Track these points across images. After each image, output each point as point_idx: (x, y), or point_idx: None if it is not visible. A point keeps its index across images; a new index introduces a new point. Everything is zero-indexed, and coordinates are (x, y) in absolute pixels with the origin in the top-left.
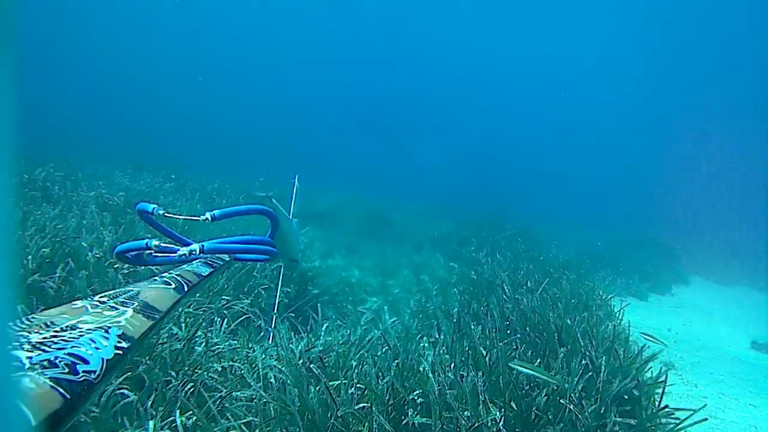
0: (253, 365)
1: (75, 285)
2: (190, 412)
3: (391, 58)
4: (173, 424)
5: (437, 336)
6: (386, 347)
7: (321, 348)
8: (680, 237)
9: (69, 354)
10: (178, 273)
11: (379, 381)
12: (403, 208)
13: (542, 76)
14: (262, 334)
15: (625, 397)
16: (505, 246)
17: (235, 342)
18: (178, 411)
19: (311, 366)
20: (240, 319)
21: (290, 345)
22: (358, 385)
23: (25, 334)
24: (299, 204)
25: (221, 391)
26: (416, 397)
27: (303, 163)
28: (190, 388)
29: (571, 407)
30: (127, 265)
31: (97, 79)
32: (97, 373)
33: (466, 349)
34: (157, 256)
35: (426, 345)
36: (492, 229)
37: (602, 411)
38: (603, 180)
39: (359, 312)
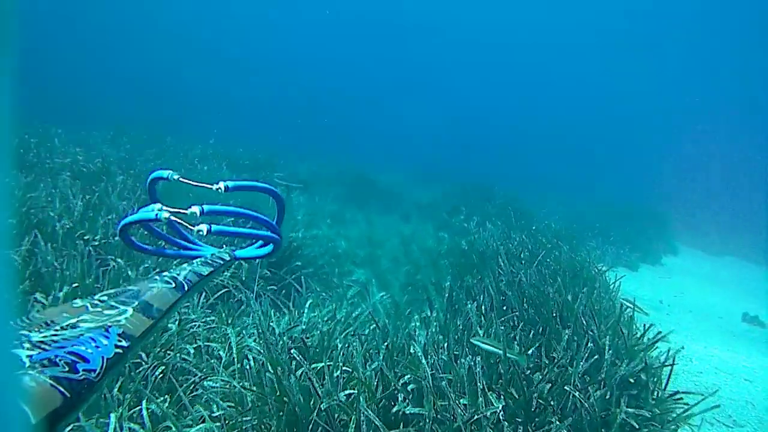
0: (230, 346)
1: (41, 258)
2: (161, 400)
3: (376, 18)
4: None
5: (429, 313)
6: (374, 326)
7: (304, 326)
8: (669, 206)
9: (69, 353)
10: (178, 272)
11: (367, 366)
12: (390, 175)
13: (530, 36)
14: (243, 307)
15: (631, 380)
16: (496, 215)
17: (214, 318)
18: (145, 401)
19: (292, 352)
20: (219, 293)
21: (271, 323)
22: (344, 368)
23: (26, 332)
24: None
25: (196, 375)
26: (407, 381)
27: (288, 128)
28: (160, 373)
29: (576, 394)
30: (98, 237)
31: (80, 39)
32: (97, 372)
33: (460, 327)
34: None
35: (417, 324)
36: (481, 198)
37: (608, 397)
38: (594, 147)
39: (346, 285)
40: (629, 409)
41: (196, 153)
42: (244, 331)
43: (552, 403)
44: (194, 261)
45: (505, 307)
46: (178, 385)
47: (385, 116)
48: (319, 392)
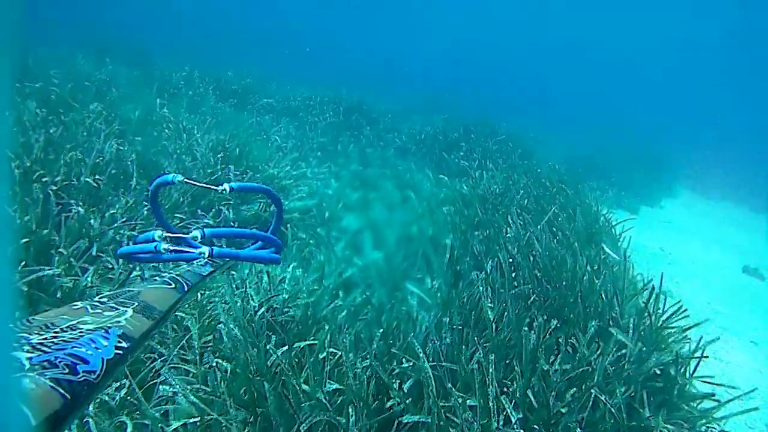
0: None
1: None
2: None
3: None
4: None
5: (430, 283)
6: (366, 298)
7: (287, 294)
8: (669, 147)
9: (69, 354)
10: (178, 273)
11: (359, 364)
12: (389, 105)
13: None
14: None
15: (657, 371)
16: (497, 152)
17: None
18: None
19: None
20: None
21: (248, 291)
22: (331, 350)
23: (26, 335)
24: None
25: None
26: (406, 373)
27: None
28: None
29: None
30: (59, 179)
31: None
32: (97, 374)
33: (465, 300)
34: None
35: (414, 296)
36: (482, 133)
37: (632, 395)
38: (601, 87)
39: (335, 237)
40: (668, 426)
41: (182, 76)
42: (216, 298)
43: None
44: (194, 261)
45: (515, 274)
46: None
47: (388, 51)
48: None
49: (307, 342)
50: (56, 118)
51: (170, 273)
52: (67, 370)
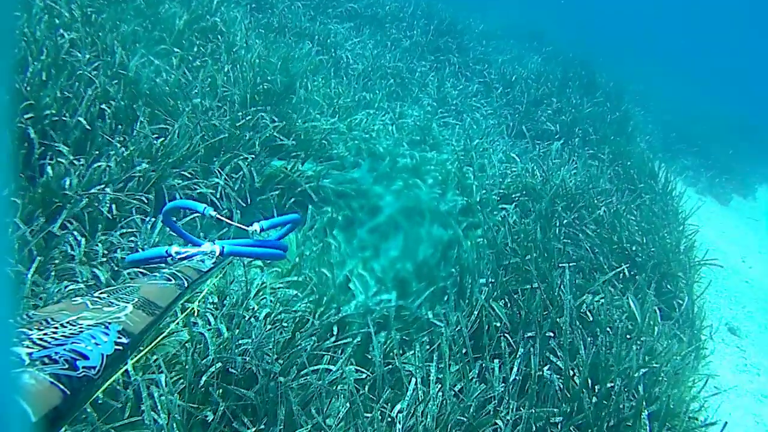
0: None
1: None
2: None
3: None
4: None
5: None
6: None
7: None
8: None
9: (69, 350)
10: (178, 269)
11: None
12: (487, 24)
13: None
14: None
15: None
16: (589, 117)
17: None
18: None
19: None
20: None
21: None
22: None
23: (25, 330)
24: None
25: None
26: None
27: None
28: None
29: None
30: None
31: None
32: (97, 369)
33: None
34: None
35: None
36: (580, 85)
37: None
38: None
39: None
40: None
41: None
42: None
43: None
44: (194, 257)
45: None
46: None
47: None
48: None
49: None
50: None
51: (170, 268)
52: (66, 366)
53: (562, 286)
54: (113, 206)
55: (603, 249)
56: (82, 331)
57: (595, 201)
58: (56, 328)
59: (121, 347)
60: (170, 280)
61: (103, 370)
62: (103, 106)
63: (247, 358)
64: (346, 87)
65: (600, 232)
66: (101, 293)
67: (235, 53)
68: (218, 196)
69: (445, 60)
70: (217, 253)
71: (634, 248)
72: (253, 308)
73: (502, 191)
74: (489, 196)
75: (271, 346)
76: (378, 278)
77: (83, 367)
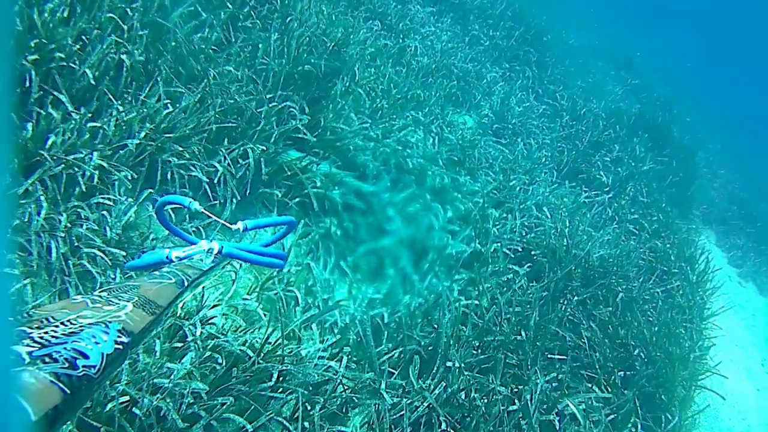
0: None
1: None
2: None
3: None
4: None
5: None
6: None
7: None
8: None
9: (69, 349)
10: (178, 267)
11: None
12: (579, 39)
13: None
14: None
15: None
16: (647, 176)
17: None
18: None
19: None
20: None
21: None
22: None
23: (25, 329)
24: None
25: None
26: None
27: None
28: None
29: None
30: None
31: None
32: (97, 368)
33: None
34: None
35: None
36: (648, 140)
37: None
38: None
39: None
40: None
41: None
42: None
43: None
44: (194, 256)
45: None
46: None
47: None
48: None
49: None
50: None
51: (170, 267)
52: (67, 365)
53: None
54: (95, 174)
55: (604, 342)
56: (82, 330)
57: (616, 284)
58: (56, 326)
59: (121, 346)
60: (170, 279)
61: (104, 369)
62: (123, 56)
63: (158, 399)
64: (402, 79)
65: (608, 319)
66: (101, 292)
67: (288, 23)
68: (216, 181)
69: (520, 71)
70: (215, 252)
71: (636, 352)
72: (197, 330)
73: (523, 245)
74: (502, 249)
75: (193, 387)
76: (346, 323)
77: (83, 366)
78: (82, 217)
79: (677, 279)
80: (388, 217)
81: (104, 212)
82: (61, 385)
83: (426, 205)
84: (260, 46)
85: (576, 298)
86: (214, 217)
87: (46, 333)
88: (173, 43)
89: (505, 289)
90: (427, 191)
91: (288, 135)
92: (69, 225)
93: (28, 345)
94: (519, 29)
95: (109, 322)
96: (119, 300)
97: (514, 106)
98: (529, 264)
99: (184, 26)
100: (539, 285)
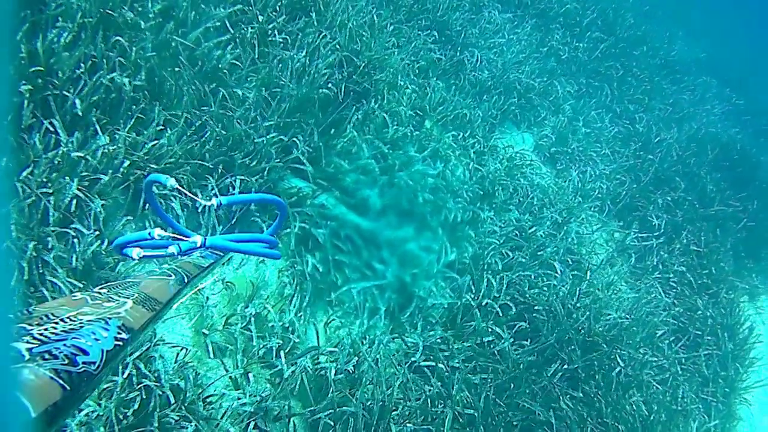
0: None
1: None
2: None
3: None
4: None
5: None
6: None
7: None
8: None
9: (69, 345)
10: (178, 264)
11: None
12: (667, 53)
13: None
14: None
15: None
16: (704, 225)
17: None
18: None
19: None
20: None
21: None
22: None
23: (25, 326)
24: None
25: None
26: None
27: None
28: None
29: None
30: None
31: None
32: (96, 365)
33: None
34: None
35: None
36: (724, 178)
37: None
38: None
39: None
40: None
41: None
42: None
43: None
44: (194, 253)
45: None
46: None
47: None
48: None
49: None
50: None
51: (170, 264)
52: (66, 361)
53: None
54: (73, 203)
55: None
56: (82, 327)
57: (617, 357)
58: (56, 323)
59: (121, 343)
60: (170, 276)
61: (103, 365)
62: (126, 80)
63: None
64: (451, 96)
65: (603, 398)
66: (101, 289)
67: (316, 41)
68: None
69: (598, 88)
70: (198, 245)
71: None
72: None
73: (522, 300)
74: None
75: None
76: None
77: (83, 363)
78: (47, 247)
79: (710, 346)
80: (381, 260)
81: (71, 240)
82: (61, 382)
83: (426, 246)
84: (280, 65)
85: (566, 365)
86: (190, 195)
87: (45, 330)
88: (179, 67)
89: (482, 355)
90: (433, 229)
91: (290, 164)
92: (34, 254)
93: (27, 342)
94: (606, 41)
95: (109, 318)
96: (119, 297)
97: (580, 127)
98: (521, 324)
99: (203, 44)
100: (530, 347)
